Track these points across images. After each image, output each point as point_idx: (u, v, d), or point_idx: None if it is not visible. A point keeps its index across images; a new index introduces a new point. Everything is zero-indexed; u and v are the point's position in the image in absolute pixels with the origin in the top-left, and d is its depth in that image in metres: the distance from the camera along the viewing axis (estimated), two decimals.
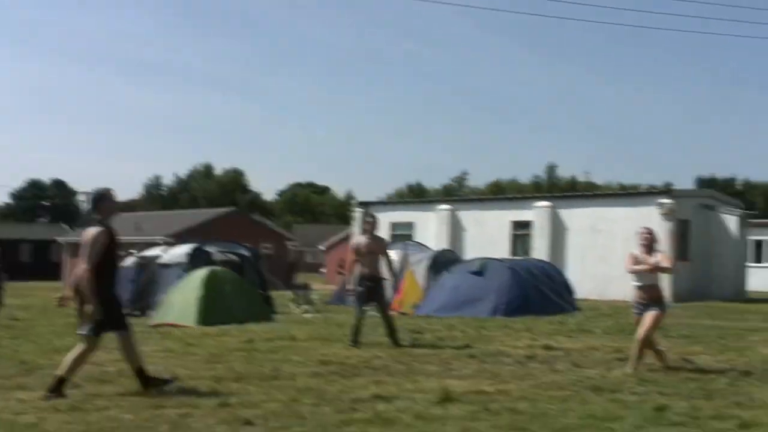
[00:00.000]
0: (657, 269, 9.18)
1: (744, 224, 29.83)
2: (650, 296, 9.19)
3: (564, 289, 20.13)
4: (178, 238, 37.39)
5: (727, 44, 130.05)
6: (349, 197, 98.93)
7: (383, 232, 31.64)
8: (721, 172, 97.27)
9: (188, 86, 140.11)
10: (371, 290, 11.60)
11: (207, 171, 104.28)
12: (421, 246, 25.83)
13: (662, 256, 9.29)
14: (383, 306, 11.75)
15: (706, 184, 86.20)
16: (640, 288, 9.25)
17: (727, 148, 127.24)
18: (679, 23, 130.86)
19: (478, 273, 18.86)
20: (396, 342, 11.37)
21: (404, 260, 22.72)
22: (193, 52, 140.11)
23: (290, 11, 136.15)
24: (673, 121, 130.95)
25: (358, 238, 12.09)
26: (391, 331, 11.50)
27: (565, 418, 6.52)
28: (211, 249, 20.23)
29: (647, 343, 9.18)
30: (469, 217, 31.08)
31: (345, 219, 67.39)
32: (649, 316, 9.06)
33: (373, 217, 12.03)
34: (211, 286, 15.62)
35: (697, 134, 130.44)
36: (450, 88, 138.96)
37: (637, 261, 9.22)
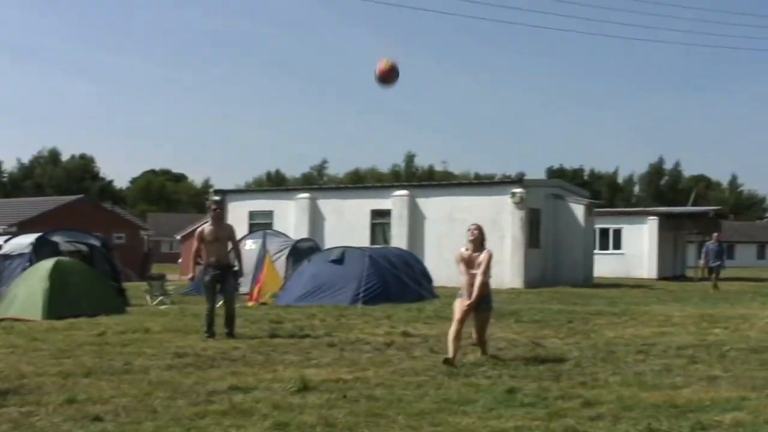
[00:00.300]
0: (482, 286, 8.85)
1: (590, 213, 31.31)
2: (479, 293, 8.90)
3: (422, 276, 20.47)
4: (21, 228, 35.59)
5: (575, 39, 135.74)
6: (207, 185, 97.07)
7: (242, 220, 31.31)
8: (570, 163, 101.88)
9: (29, 66, 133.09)
10: (218, 278, 11.42)
11: (53, 157, 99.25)
12: (281, 235, 25.69)
13: (486, 255, 8.95)
14: (229, 294, 11.59)
15: (556, 174, 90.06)
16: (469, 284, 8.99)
17: (575, 140, 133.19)
18: (531, 18, 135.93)
19: (338, 261, 18.89)
20: (231, 334, 11.19)
21: (263, 249, 22.52)
22: (35, 29, 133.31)
23: None
24: (527, 112, 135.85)
25: (204, 225, 11.86)
26: (230, 321, 11.33)
27: (421, 403, 6.62)
28: (57, 239, 19.29)
29: (457, 335, 8.83)
30: (329, 205, 31.10)
31: (202, 208, 66.05)
32: (480, 318, 9.00)
33: (218, 203, 11.84)
34: (57, 277, 14.91)
35: (549, 126, 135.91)
36: (309, 76, 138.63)
37: (464, 260, 8.99)
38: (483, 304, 8.99)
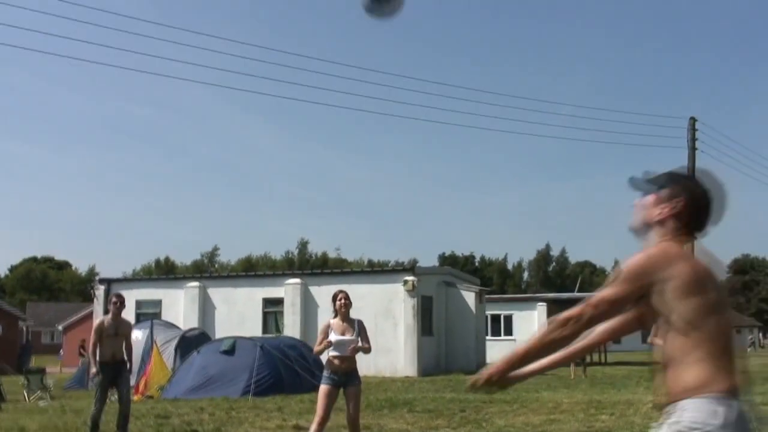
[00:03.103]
0: (362, 349, 8.30)
1: (481, 300, 31.84)
2: (349, 367, 8.29)
3: (316, 366, 20.16)
4: None
5: (464, 131, 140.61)
6: (92, 273, 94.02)
7: (129, 310, 30.30)
8: (461, 249, 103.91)
9: None
10: (113, 375, 10.94)
11: None
12: (169, 325, 25.00)
13: (362, 324, 8.49)
14: (123, 391, 11.08)
15: (448, 260, 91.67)
16: (338, 358, 8.25)
17: (466, 227, 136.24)
18: (421, 112, 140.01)
19: (229, 352, 18.48)
20: None
21: (151, 339, 21.82)
22: None
23: (31, 74, 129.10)
24: (419, 200, 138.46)
25: (103, 318, 11.43)
26: (125, 422, 10.75)
27: None
28: None
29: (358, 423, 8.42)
30: (220, 294, 30.58)
31: (87, 296, 63.76)
32: (354, 395, 8.30)
33: (119, 297, 11.39)
34: None
35: (440, 213, 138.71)
36: (199, 161, 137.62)
37: (331, 327, 8.34)
38: (355, 379, 8.31)
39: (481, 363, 30.60)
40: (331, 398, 8.17)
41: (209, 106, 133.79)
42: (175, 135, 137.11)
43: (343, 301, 8.43)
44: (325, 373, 8.31)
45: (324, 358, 8.54)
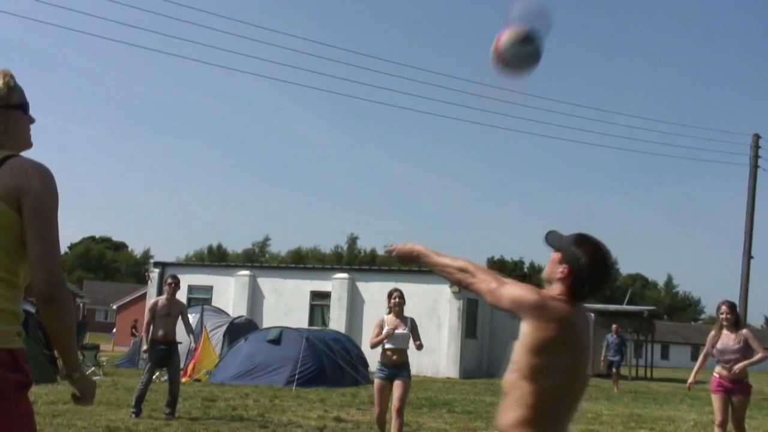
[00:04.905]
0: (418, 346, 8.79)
1: None
2: (401, 360, 8.76)
3: (359, 361, 20.51)
4: None
5: (518, 137, 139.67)
6: (147, 256, 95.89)
7: (180, 294, 30.95)
8: (511, 254, 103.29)
9: None
10: (164, 354, 11.33)
11: None
12: (219, 311, 25.52)
13: (414, 322, 8.95)
14: (174, 372, 11.45)
15: (497, 264, 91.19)
16: (391, 350, 8.72)
17: (517, 232, 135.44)
18: (477, 116, 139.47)
19: (275, 342, 18.87)
20: (172, 413, 10.92)
21: (200, 324, 22.35)
22: None
23: (94, 58, 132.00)
24: (470, 202, 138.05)
25: (157, 299, 11.84)
26: (173, 400, 11.07)
27: None
28: None
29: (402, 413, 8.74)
30: (269, 284, 31.06)
31: (141, 278, 65.13)
32: (402, 387, 8.67)
33: (174, 278, 11.78)
34: None
35: (492, 217, 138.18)
36: (255, 153, 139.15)
37: (386, 325, 8.80)
38: (405, 372, 8.75)
39: None
40: (385, 392, 8.75)
41: (268, 99, 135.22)
42: (233, 126, 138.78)
43: (397, 299, 8.95)
44: (378, 366, 8.85)
45: (377, 352, 8.94)
